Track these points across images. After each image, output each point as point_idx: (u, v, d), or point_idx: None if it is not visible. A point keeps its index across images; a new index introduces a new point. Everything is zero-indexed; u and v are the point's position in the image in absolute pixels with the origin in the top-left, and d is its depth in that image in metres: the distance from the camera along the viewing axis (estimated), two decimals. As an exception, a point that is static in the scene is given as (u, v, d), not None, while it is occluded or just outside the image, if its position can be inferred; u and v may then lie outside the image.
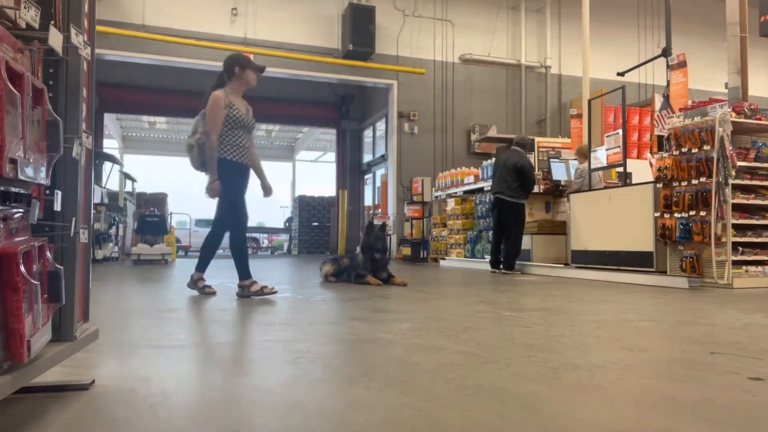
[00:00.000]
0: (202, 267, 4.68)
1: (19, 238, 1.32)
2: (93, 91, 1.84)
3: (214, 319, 3.27)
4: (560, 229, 8.52)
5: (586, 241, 7.24)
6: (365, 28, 12.96)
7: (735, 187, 5.50)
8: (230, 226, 4.54)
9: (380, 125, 15.93)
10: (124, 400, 1.63)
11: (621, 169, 7.21)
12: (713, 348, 2.42)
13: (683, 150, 5.71)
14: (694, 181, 5.59)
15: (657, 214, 6.01)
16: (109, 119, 19.49)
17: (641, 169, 7.99)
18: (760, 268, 5.64)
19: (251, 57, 5.08)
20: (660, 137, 7.14)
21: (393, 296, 4.65)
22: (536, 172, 8.85)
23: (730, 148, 5.36)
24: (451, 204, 10.76)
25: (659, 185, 6.02)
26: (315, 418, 1.48)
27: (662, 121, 7.28)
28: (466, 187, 10.28)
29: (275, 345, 2.48)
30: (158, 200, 14.96)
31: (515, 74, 14.65)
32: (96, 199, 10.82)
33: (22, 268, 1.21)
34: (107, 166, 13.11)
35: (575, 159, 8.90)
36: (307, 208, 18.06)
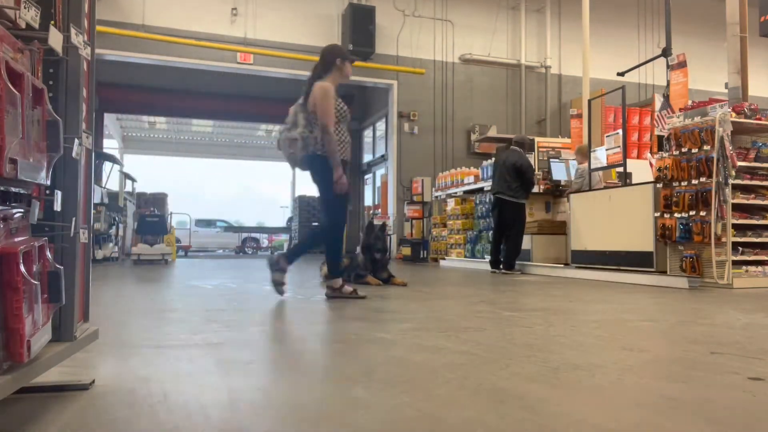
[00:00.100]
0: (291, 260, 4.43)
1: (19, 238, 1.32)
2: (93, 91, 1.84)
3: (213, 319, 3.27)
4: (560, 229, 8.52)
5: (586, 241, 7.24)
6: (365, 28, 12.96)
7: (735, 187, 5.50)
8: (331, 223, 4.39)
9: (380, 125, 15.93)
10: (124, 400, 1.63)
11: (621, 169, 7.21)
12: (713, 348, 2.42)
13: (683, 150, 5.71)
14: (694, 181, 5.59)
15: (657, 214, 6.01)
16: (109, 119, 19.50)
17: (641, 169, 7.99)
18: (760, 268, 5.63)
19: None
20: (660, 137, 7.14)
21: (393, 296, 4.65)
22: (536, 172, 8.85)
23: (730, 148, 5.36)
24: (451, 204, 10.76)
25: (659, 185, 6.02)
26: (315, 418, 1.48)
27: (662, 121, 7.28)
28: (466, 187, 10.29)
29: (275, 345, 2.48)
30: (158, 200, 14.94)
31: (515, 74, 14.65)
32: (96, 199, 10.82)
33: (22, 268, 1.21)
34: (107, 166, 13.12)
35: (575, 159, 8.90)
36: (307, 208, 18.05)
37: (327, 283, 4.38)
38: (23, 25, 1.41)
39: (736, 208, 5.53)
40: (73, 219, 1.63)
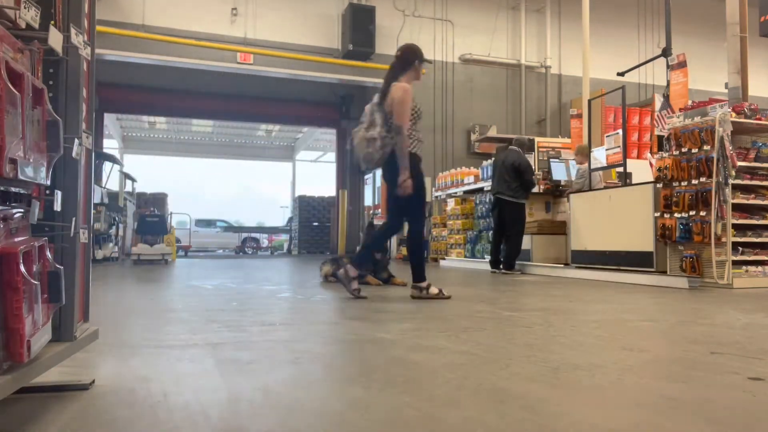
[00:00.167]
0: (363, 260, 4.47)
1: (19, 238, 1.32)
2: (93, 91, 1.84)
3: (213, 320, 3.27)
4: (560, 229, 8.52)
5: (586, 241, 7.24)
6: (365, 28, 12.96)
7: (735, 187, 5.50)
8: (413, 224, 4.40)
9: (380, 125, 15.91)
10: (124, 400, 1.63)
11: (621, 169, 7.21)
12: (713, 348, 2.42)
13: (683, 150, 5.70)
14: (694, 181, 5.59)
15: (657, 214, 6.01)
16: (109, 119, 19.50)
17: (641, 169, 7.99)
18: (760, 268, 5.63)
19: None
20: (660, 137, 7.14)
21: (393, 296, 4.65)
22: (536, 172, 8.85)
23: (730, 148, 5.36)
24: (451, 204, 10.76)
25: (659, 185, 6.02)
26: (315, 418, 1.48)
27: (662, 121, 7.28)
28: (466, 187, 10.29)
29: (275, 345, 2.48)
30: (158, 200, 14.97)
31: (515, 74, 14.65)
32: (96, 199, 10.82)
33: (22, 268, 1.21)
34: (107, 166, 13.12)
35: (575, 159, 8.90)
36: (307, 208, 18.07)
37: (414, 284, 4.37)
38: (23, 25, 1.41)
39: (736, 208, 5.53)
40: (73, 219, 1.63)
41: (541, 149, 9.78)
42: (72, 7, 1.65)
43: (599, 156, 7.63)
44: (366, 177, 17.55)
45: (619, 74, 9.72)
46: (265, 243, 23.14)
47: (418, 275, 4.36)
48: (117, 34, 11.41)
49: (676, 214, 5.76)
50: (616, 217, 6.70)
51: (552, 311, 3.75)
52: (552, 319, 3.35)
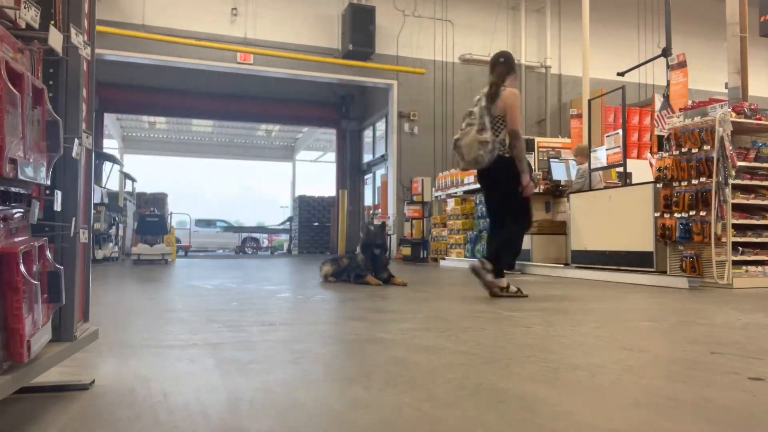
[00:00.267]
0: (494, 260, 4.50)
1: (19, 238, 1.32)
2: (93, 91, 1.84)
3: (213, 320, 3.27)
4: (560, 229, 8.52)
5: (586, 241, 7.23)
6: (365, 28, 12.96)
7: (735, 187, 5.50)
8: (521, 223, 4.54)
9: (380, 125, 15.93)
10: (124, 400, 1.63)
11: (621, 169, 7.21)
12: (713, 348, 2.42)
13: (683, 150, 5.70)
14: (694, 181, 5.59)
15: (657, 214, 6.01)
16: (109, 119, 19.50)
17: (641, 169, 7.99)
18: (760, 268, 5.63)
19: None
20: (660, 137, 7.14)
21: (393, 296, 4.65)
22: (536, 172, 8.84)
23: (730, 148, 5.36)
24: (451, 204, 10.75)
25: (659, 185, 6.02)
26: (315, 418, 1.48)
27: (662, 121, 7.29)
28: (466, 187, 10.28)
29: (275, 345, 2.48)
30: (158, 200, 14.96)
31: (515, 74, 14.64)
32: (96, 199, 10.82)
33: (22, 268, 1.21)
34: (107, 166, 13.12)
35: (574, 159, 8.90)
36: (307, 208, 18.06)
37: (495, 282, 4.43)
38: (23, 25, 1.41)
39: (736, 208, 5.53)
40: (73, 219, 1.63)
41: (541, 149, 9.78)
42: (72, 7, 1.65)
43: (599, 156, 7.63)
44: (366, 177, 17.55)
45: (619, 74, 9.72)
46: (265, 243, 23.13)
47: (500, 273, 4.46)
48: (117, 34, 11.40)
49: (676, 214, 5.76)
50: (616, 217, 6.70)
51: (552, 311, 3.75)
52: (552, 319, 3.35)
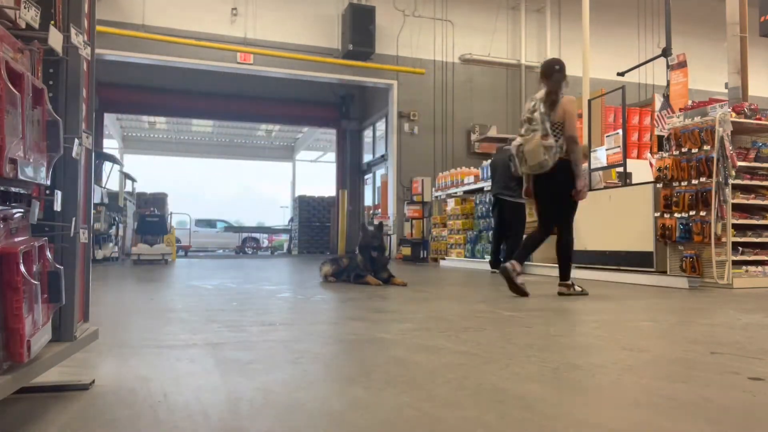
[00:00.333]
0: (522, 260, 4.67)
1: (19, 238, 1.32)
2: (93, 91, 1.84)
3: (213, 320, 3.27)
4: (560, 229, 8.51)
5: (586, 241, 7.23)
6: (365, 28, 12.96)
7: (735, 187, 5.50)
8: (570, 225, 4.75)
9: (380, 125, 15.93)
10: (124, 400, 1.63)
11: (621, 169, 7.20)
12: (713, 348, 2.42)
13: (683, 150, 5.71)
14: (694, 181, 5.59)
15: (657, 214, 6.01)
16: (109, 119, 19.50)
17: (641, 169, 7.98)
18: (760, 268, 5.64)
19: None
20: (660, 137, 7.14)
21: (393, 296, 4.65)
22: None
23: (730, 148, 5.36)
24: (451, 204, 10.75)
25: (659, 185, 6.02)
26: (315, 418, 1.48)
27: (662, 121, 7.29)
28: (466, 187, 10.29)
29: (275, 345, 2.48)
30: (158, 200, 14.97)
31: (515, 74, 14.65)
32: (96, 199, 10.82)
33: (22, 268, 1.21)
34: (107, 166, 13.12)
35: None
36: (307, 208, 18.06)
37: (562, 282, 4.69)
38: (23, 25, 1.41)
39: (736, 208, 5.53)
40: (73, 219, 1.63)
41: (541, 149, 9.74)
42: (72, 7, 1.65)
43: (599, 156, 7.62)
44: (366, 177, 17.55)
45: (619, 74, 9.72)
46: (265, 243, 23.13)
47: (566, 274, 4.69)
48: (117, 34, 11.40)
49: (676, 214, 5.76)
50: (616, 217, 6.70)
51: (552, 311, 3.75)
52: (552, 319, 3.35)
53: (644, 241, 6.22)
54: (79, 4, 1.67)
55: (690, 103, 6.46)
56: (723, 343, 2.58)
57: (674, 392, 1.73)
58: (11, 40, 1.29)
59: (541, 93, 4.71)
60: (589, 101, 8.75)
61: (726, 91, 6.94)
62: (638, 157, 9.67)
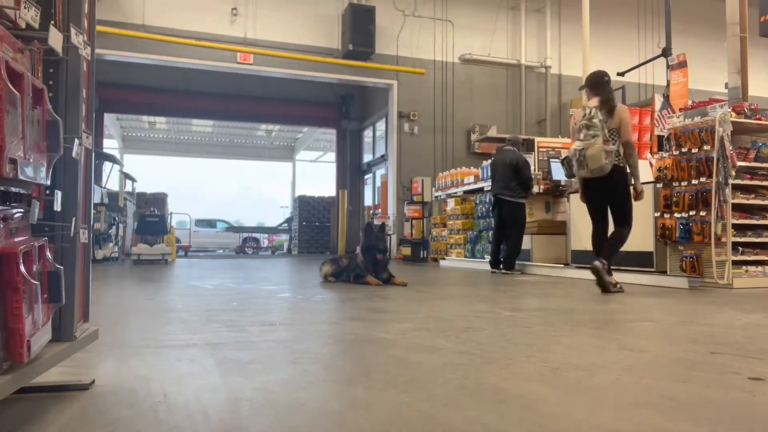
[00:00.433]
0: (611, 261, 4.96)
1: (19, 238, 1.32)
2: (93, 91, 1.84)
3: (213, 320, 3.27)
4: (560, 229, 8.52)
5: (586, 241, 7.22)
6: (365, 28, 12.95)
7: (735, 187, 5.50)
8: (629, 224, 5.05)
9: (380, 125, 15.93)
10: (124, 400, 1.63)
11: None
12: (713, 348, 2.42)
13: (683, 150, 5.71)
14: (694, 181, 5.59)
15: (657, 214, 6.01)
16: (109, 119, 19.50)
17: (641, 169, 7.96)
18: (760, 268, 5.63)
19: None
20: (660, 137, 7.14)
21: (393, 296, 4.65)
22: (536, 171, 8.84)
23: (730, 148, 5.36)
24: (451, 204, 10.75)
25: (659, 185, 6.01)
26: (315, 418, 1.48)
27: (662, 121, 7.29)
28: (466, 187, 10.28)
29: (275, 345, 2.48)
30: (158, 200, 14.96)
31: (515, 74, 14.64)
32: (96, 199, 10.82)
33: (22, 268, 1.21)
34: (107, 166, 13.12)
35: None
36: (307, 208, 18.06)
37: (611, 280, 4.89)
38: (23, 25, 1.41)
39: (736, 208, 5.53)
40: (73, 219, 1.63)
41: (541, 149, 9.77)
42: (72, 7, 1.65)
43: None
44: (366, 177, 17.55)
45: (619, 74, 9.71)
46: (265, 243, 23.13)
47: (610, 270, 4.93)
48: (117, 34, 11.40)
49: (676, 214, 5.76)
50: (616, 217, 6.68)
51: (552, 311, 3.76)
52: (552, 319, 3.35)
53: (644, 241, 6.22)
54: (79, 4, 1.67)
55: (690, 103, 6.46)
56: (723, 343, 2.58)
57: (674, 392, 1.73)
58: (11, 40, 1.29)
59: (594, 101, 4.98)
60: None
61: (726, 91, 6.94)
62: (638, 157, 9.65)
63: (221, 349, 2.36)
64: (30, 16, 1.40)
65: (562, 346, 2.49)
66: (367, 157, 17.45)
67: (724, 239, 5.39)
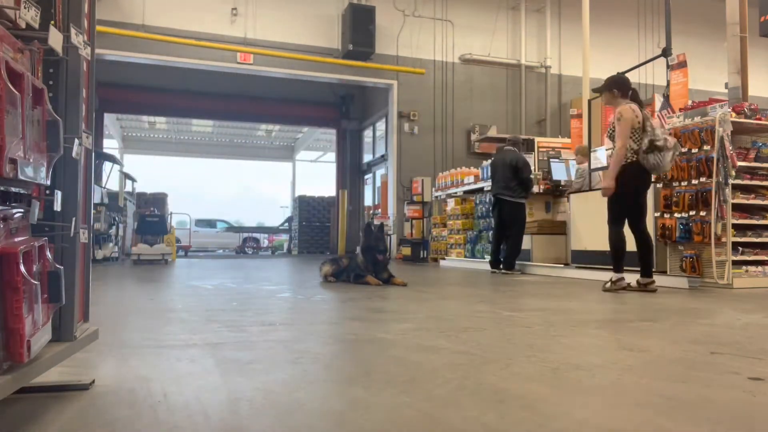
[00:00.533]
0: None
1: (19, 238, 1.32)
2: (93, 91, 1.84)
3: (213, 320, 3.27)
4: (560, 229, 8.52)
5: (586, 241, 7.23)
6: (365, 28, 12.95)
7: (735, 187, 5.50)
8: (609, 226, 5.37)
9: (380, 125, 15.93)
10: (124, 400, 1.63)
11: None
12: (713, 348, 2.42)
13: (683, 150, 5.70)
14: (694, 181, 5.59)
15: (657, 214, 6.01)
16: (109, 119, 19.50)
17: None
18: (760, 268, 5.63)
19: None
20: (660, 137, 7.13)
21: (393, 296, 4.65)
22: (536, 172, 8.84)
23: (730, 148, 5.36)
24: (451, 204, 10.75)
25: (659, 185, 6.01)
26: (315, 418, 1.48)
27: (662, 121, 7.28)
28: (466, 187, 10.28)
29: (275, 345, 2.48)
30: (158, 200, 14.97)
31: (515, 74, 14.64)
32: (96, 199, 10.82)
33: (22, 268, 1.21)
34: (107, 166, 13.12)
35: (575, 159, 8.90)
36: (307, 208, 18.06)
37: (641, 280, 5.12)
38: (23, 25, 1.41)
39: (736, 208, 5.53)
40: (73, 219, 1.63)
41: (541, 149, 9.77)
42: (72, 7, 1.65)
43: (599, 156, 7.62)
44: (366, 177, 17.55)
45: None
46: (265, 243, 23.13)
47: (648, 271, 5.15)
48: (117, 34, 11.40)
49: (676, 214, 5.76)
50: (616, 217, 6.68)
51: (552, 311, 3.75)
52: (552, 319, 3.35)
53: (644, 241, 6.20)
54: (79, 4, 1.67)
55: (690, 103, 6.46)
56: (723, 343, 2.58)
57: (674, 392, 1.73)
58: (11, 40, 1.29)
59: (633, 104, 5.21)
60: (589, 101, 8.76)
61: (726, 91, 6.93)
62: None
63: (221, 349, 2.36)
64: (30, 16, 1.40)
65: (562, 346, 2.49)
66: (367, 157, 17.45)
67: (724, 239, 5.39)
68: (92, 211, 1.94)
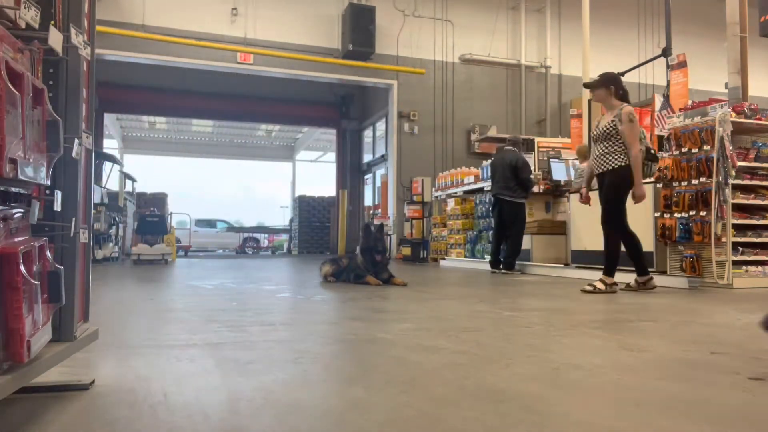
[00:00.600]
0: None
1: (19, 238, 1.32)
2: (93, 91, 1.84)
3: (213, 320, 3.27)
4: (560, 229, 8.52)
5: (586, 241, 7.23)
6: (365, 28, 12.95)
7: (735, 187, 5.50)
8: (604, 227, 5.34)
9: (380, 125, 15.93)
10: (124, 400, 1.63)
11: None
12: (713, 348, 2.42)
13: (683, 150, 5.70)
14: (694, 181, 5.59)
15: (657, 214, 6.01)
16: (109, 119, 19.49)
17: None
18: (760, 268, 5.63)
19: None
20: (660, 137, 7.13)
21: (393, 296, 4.65)
22: (536, 172, 8.84)
23: (730, 148, 5.36)
24: (451, 204, 10.75)
25: (659, 185, 6.01)
26: (315, 418, 1.48)
27: (662, 121, 7.28)
28: (466, 187, 10.28)
29: (275, 345, 2.48)
30: (158, 200, 14.98)
31: (515, 74, 14.64)
32: (96, 199, 10.82)
33: (22, 268, 1.21)
34: (107, 166, 13.12)
35: (575, 159, 8.90)
36: (307, 208, 18.06)
37: (639, 279, 5.14)
38: (23, 25, 1.41)
39: (736, 208, 5.53)
40: (73, 219, 1.63)
41: (541, 149, 9.77)
42: (72, 7, 1.65)
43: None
44: (366, 177, 17.55)
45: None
46: (265, 243, 23.13)
47: (644, 269, 5.19)
48: (117, 34, 11.40)
49: (676, 214, 5.76)
50: (616, 217, 6.67)
51: (552, 311, 3.76)
52: (552, 319, 3.35)
53: (644, 241, 6.19)
54: (79, 4, 1.67)
55: (690, 103, 6.46)
56: (723, 343, 2.58)
57: (674, 392, 1.73)
58: (11, 40, 1.29)
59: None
60: (589, 101, 8.76)
61: (726, 91, 6.93)
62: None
63: (221, 349, 2.36)
64: (30, 16, 1.40)
65: (562, 346, 2.49)
66: (367, 157, 17.45)
67: (724, 239, 5.39)
68: (92, 211, 1.94)
